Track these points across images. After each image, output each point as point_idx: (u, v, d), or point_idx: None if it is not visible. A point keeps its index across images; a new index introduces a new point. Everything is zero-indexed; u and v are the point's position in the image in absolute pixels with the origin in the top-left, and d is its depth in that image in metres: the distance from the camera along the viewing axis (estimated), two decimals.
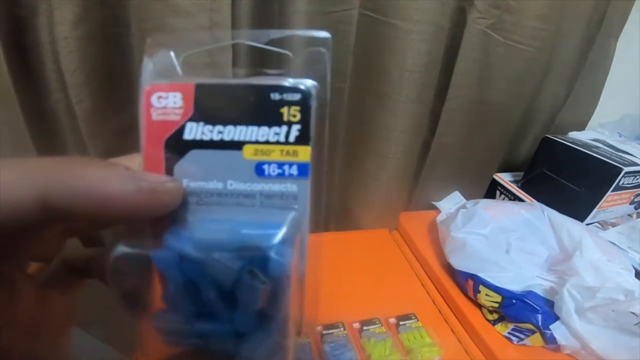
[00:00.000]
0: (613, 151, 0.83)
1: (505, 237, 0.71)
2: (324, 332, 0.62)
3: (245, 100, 0.18)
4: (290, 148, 0.18)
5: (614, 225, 0.84)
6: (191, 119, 0.18)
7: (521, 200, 0.88)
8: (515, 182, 0.94)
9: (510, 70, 0.74)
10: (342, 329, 0.63)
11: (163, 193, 0.18)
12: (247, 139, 0.18)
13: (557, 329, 0.58)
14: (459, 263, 0.69)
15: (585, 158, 0.80)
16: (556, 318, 0.58)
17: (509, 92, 0.78)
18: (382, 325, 0.64)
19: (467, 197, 0.91)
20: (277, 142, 0.18)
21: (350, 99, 0.73)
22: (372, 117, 0.73)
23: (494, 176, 0.95)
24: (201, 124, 0.18)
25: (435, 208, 0.90)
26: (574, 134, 0.91)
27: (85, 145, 0.62)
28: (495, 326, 0.64)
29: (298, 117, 0.18)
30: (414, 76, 0.66)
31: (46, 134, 0.62)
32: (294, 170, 0.19)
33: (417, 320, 0.65)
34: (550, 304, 0.60)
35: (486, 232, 0.71)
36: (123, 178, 0.17)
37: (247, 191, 0.19)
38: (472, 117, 0.79)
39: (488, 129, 0.82)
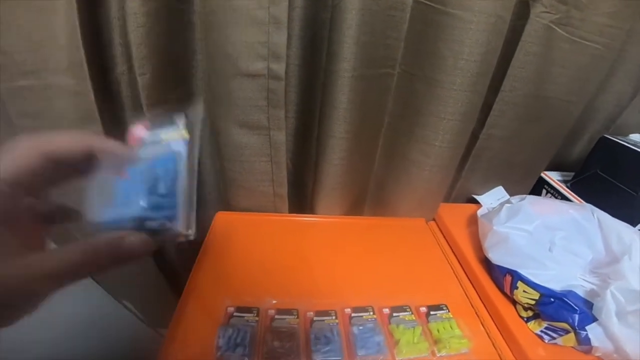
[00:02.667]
0: None
1: (550, 236, 0.68)
2: (353, 314, 0.62)
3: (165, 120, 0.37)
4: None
5: None
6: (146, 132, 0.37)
7: (569, 200, 0.84)
8: (564, 181, 0.89)
9: (573, 67, 0.71)
10: (371, 312, 0.63)
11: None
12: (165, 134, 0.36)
13: (592, 330, 0.55)
14: (499, 258, 0.67)
15: None
16: (593, 319, 0.56)
17: (569, 89, 0.74)
18: (412, 313, 0.63)
19: (511, 193, 0.87)
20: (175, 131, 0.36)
21: (398, 86, 0.71)
22: (421, 104, 0.70)
23: (542, 174, 0.91)
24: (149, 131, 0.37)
25: (475, 202, 0.88)
26: (635, 136, 0.85)
27: (143, 114, 0.65)
28: (528, 323, 0.62)
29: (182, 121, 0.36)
30: (470, 65, 0.63)
31: (110, 103, 0.65)
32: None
33: (448, 311, 0.64)
34: (589, 305, 0.57)
35: (531, 229, 0.68)
36: None
37: None
38: (526, 111, 0.75)
39: (542, 125, 0.78)
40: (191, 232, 0.33)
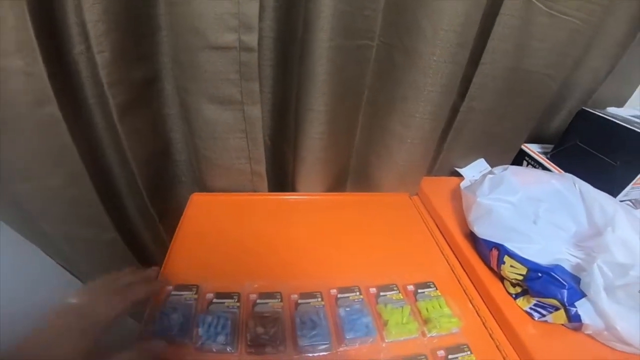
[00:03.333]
0: None
1: (533, 207, 0.66)
2: (339, 295, 0.59)
3: None
4: None
5: None
6: None
7: (550, 171, 0.82)
8: (544, 153, 0.88)
9: (552, 41, 0.70)
10: (357, 293, 0.60)
11: None
12: None
13: (582, 307, 0.53)
14: (484, 231, 0.65)
15: (624, 131, 0.74)
16: (582, 295, 0.54)
17: (547, 62, 0.73)
18: (399, 292, 0.61)
19: (493, 165, 0.85)
20: None
21: (377, 58, 0.69)
22: (401, 76, 0.67)
23: (522, 146, 0.90)
24: None
25: (458, 175, 0.86)
26: (612, 109, 0.84)
27: (105, 95, 0.61)
28: (517, 300, 0.60)
29: None
30: (449, 35, 0.61)
31: (67, 84, 0.61)
32: None
33: (436, 288, 0.62)
34: (577, 280, 0.56)
35: (514, 200, 0.66)
36: None
37: None
38: (505, 83, 0.74)
39: (521, 97, 0.77)
40: None
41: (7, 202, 0.67)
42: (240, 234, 0.69)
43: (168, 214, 0.72)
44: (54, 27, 0.56)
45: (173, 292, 0.55)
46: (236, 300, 0.56)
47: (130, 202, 0.76)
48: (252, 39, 0.59)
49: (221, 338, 0.49)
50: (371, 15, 0.64)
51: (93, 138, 0.66)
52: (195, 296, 0.55)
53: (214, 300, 0.55)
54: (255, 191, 0.79)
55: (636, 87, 0.91)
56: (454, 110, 0.76)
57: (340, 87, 0.67)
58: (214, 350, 0.49)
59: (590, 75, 0.85)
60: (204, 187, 0.78)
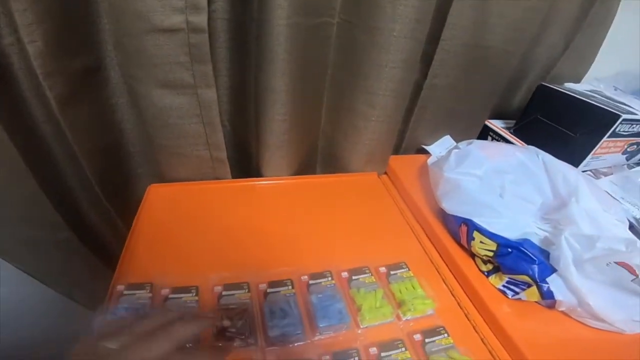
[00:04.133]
0: (610, 101, 0.78)
1: (499, 180, 0.65)
2: (311, 281, 0.56)
3: None
4: None
5: (605, 175, 0.79)
6: None
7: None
8: (508, 128, 0.89)
9: (509, 17, 0.69)
10: (329, 278, 0.57)
11: None
12: None
13: (553, 282, 0.52)
14: (452, 207, 0.63)
15: (582, 104, 0.75)
16: (552, 270, 0.53)
17: (505, 38, 0.72)
18: (372, 275, 0.58)
19: (458, 142, 0.83)
20: None
21: (339, 36, 0.66)
22: (362, 54, 0.65)
23: (486, 122, 0.89)
24: None
25: (425, 153, 0.84)
26: (569, 85, 0.86)
27: (42, 87, 0.55)
28: (489, 278, 0.58)
29: None
30: (407, 10, 0.60)
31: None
32: None
33: (408, 269, 0.60)
34: (546, 254, 0.54)
35: (480, 173, 0.65)
36: None
37: None
38: (466, 60, 0.73)
39: (482, 73, 0.76)
40: None
41: None
42: (203, 224, 0.64)
43: (128, 208, 0.67)
44: None
45: (125, 292, 0.51)
46: (194, 294, 0.52)
47: (84, 199, 0.70)
48: (201, 20, 0.55)
49: None
50: None
51: (34, 133, 0.60)
52: (150, 294, 0.51)
53: (170, 296, 0.51)
54: (217, 179, 0.74)
55: (591, 64, 0.92)
56: (418, 88, 0.74)
57: (300, 66, 0.63)
58: None
59: (548, 52, 0.86)
60: (163, 178, 0.73)
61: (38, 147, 0.61)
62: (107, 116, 0.66)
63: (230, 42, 0.63)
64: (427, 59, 0.70)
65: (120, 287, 0.51)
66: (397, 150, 0.85)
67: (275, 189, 0.76)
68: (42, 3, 0.50)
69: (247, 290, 0.53)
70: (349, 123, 0.74)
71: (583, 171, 0.77)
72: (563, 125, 0.77)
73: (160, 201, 0.69)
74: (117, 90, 0.65)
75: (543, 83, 0.82)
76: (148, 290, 0.51)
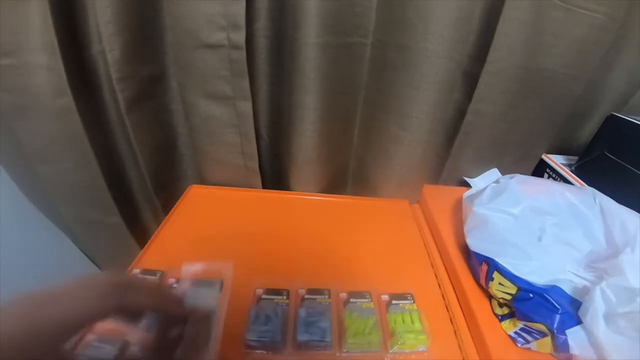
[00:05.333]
0: None
1: (539, 221, 0.56)
2: (307, 296, 0.54)
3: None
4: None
5: None
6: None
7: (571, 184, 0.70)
8: (568, 165, 0.75)
9: (568, 37, 0.60)
10: (326, 296, 0.54)
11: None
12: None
13: (573, 335, 0.43)
14: (476, 243, 0.56)
15: None
16: (577, 322, 0.44)
17: (566, 60, 0.62)
18: (371, 301, 0.54)
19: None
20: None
21: (373, 56, 0.65)
22: (394, 74, 0.63)
23: (544, 156, 0.77)
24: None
25: (467, 186, 0.76)
26: None
27: (114, 90, 0.63)
28: (502, 322, 0.50)
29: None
30: (440, 29, 0.57)
31: (83, 80, 0.64)
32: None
33: (413, 301, 0.54)
34: (577, 304, 0.45)
35: (516, 212, 0.56)
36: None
37: None
38: (517, 84, 0.64)
39: (537, 100, 0.67)
40: None
41: (31, 184, 0.71)
42: (227, 227, 0.66)
43: (172, 204, 0.73)
44: (76, 27, 0.60)
45: (138, 275, 0.54)
46: None
47: (138, 191, 0.78)
48: (239, 37, 0.59)
49: None
50: (363, 13, 0.60)
51: (105, 129, 0.69)
52: (158, 281, 0.53)
53: (174, 285, 0.53)
54: (249, 186, 0.76)
55: None
56: (461, 113, 0.67)
57: (331, 84, 0.63)
58: None
59: (625, 77, 0.72)
60: (203, 180, 0.78)
61: (105, 142, 0.69)
62: (166, 120, 0.73)
63: (271, 59, 0.66)
64: (471, 81, 0.64)
65: (136, 271, 0.55)
66: (436, 180, 0.78)
67: (302, 203, 0.76)
68: (122, 16, 0.57)
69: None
70: (380, 146, 0.71)
71: None
72: (633, 165, 0.63)
73: (196, 200, 0.73)
74: (176, 97, 0.71)
75: (614, 113, 0.68)
76: (158, 277, 0.54)
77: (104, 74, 0.64)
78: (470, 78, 0.64)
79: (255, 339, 0.47)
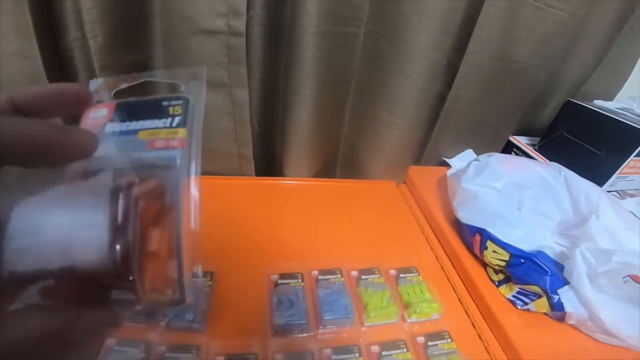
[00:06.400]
0: None
1: (518, 194, 0.62)
2: (320, 277, 0.55)
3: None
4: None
5: (632, 196, 0.74)
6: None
7: None
8: (532, 145, 0.84)
9: (538, 31, 0.66)
10: (339, 275, 0.56)
11: (77, 135, 0.20)
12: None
13: (565, 294, 0.49)
14: (468, 216, 0.60)
15: (609, 121, 0.71)
16: (565, 282, 0.50)
17: (534, 53, 0.69)
18: (381, 276, 0.56)
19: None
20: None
21: (365, 45, 0.66)
22: (387, 63, 0.65)
23: (510, 137, 0.85)
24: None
25: (446, 165, 0.81)
26: (599, 102, 0.80)
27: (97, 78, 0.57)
28: (500, 288, 0.55)
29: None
30: (432, 23, 0.60)
31: (61, 69, 0.60)
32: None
33: (419, 274, 0.58)
34: (560, 267, 0.51)
35: (499, 186, 0.62)
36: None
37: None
38: (492, 73, 0.70)
39: (509, 88, 0.73)
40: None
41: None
42: (225, 216, 0.64)
43: None
44: (52, 13, 0.55)
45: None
46: (209, 279, 0.52)
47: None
48: (240, 24, 0.57)
49: (189, 315, 0.45)
50: (357, 4, 0.61)
51: None
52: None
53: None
54: (242, 174, 0.75)
55: (624, 81, 0.87)
56: (441, 99, 0.71)
57: (327, 72, 0.64)
58: (182, 327, 0.45)
59: (578, 68, 0.81)
60: None
61: None
62: None
63: (265, 47, 0.64)
64: (452, 70, 0.68)
65: None
66: (417, 161, 0.82)
67: (296, 189, 0.76)
68: (107, 2, 0.53)
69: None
70: (371, 130, 0.73)
71: (608, 191, 0.72)
72: (589, 143, 0.73)
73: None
74: (161, 87, 0.67)
75: (570, 99, 0.78)
76: None
77: (82, 62, 0.59)
78: (451, 67, 0.68)
79: (283, 323, 0.47)
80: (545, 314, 0.52)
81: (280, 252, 0.59)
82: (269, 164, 0.78)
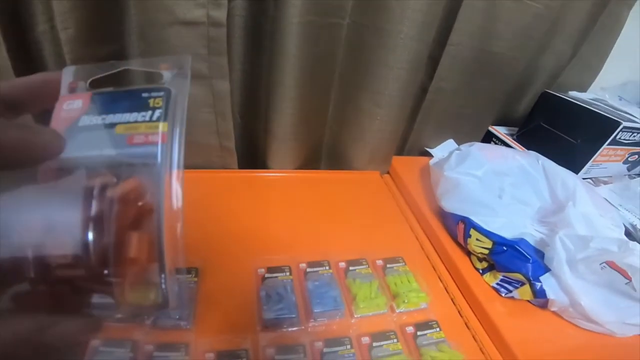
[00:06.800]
0: (613, 109, 0.75)
1: (499, 182, 0.63)
2: (308, 269, 0.55)
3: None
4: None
5: (606, 183, 0.76)
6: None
7: None
8: (511, 135, 0.86)
9: (516, 24, 0.68)
10: (327, 267, 0.56)
11: (44, 134, 0.19)
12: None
13: (547, 281, 0.50)
14: (451, 205, 0.61)
15: (584, 111, 0.73)
16: (546, 270, 0.51)
17: (512, 45, 0.71)
18: (368, 267, 0.57)
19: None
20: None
21: (348, 36, 0.65)
22: (370, 54, 0.64)
23: (490, 128, 0.87)
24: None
25: (429, 155, 0.82)
26: (574, 93, 0.83)
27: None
28: (484, 276, 0.56)
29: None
30: (415, 14, 0.60)
31: (29, 62, 0.57)
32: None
33: (405, 264, 0.58)
34: (541, 254, 0.53)
35: (480, 174, 0.63)
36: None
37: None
38: (472, 65, 0.71)
39: (488, 79, 0.75)
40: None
41: None
42: (206, 210, 0.63)
43: None
44: (17, 4, 0.51)
45: None
46: (194, 275, 0.51)
47: None
48: (220, 14, 0.55)
49: (175, 313, 0.44)
50: None
51: None
52: None
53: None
54: (225, 167, 0.73)
55: (597, 73, 0.90)
56: (423, 91, 0.72)
57: (311, 63, 0.63)
58: (169, 326, 0.44)
59: (555, 60, 0.83)
60: None
61: None
62: None
63: (245, 38, 0.63)
64: (433, 62, 0.69)
65: None
66: (400, 152, 0.83)
67: (280, 181, 0.75)
68: None
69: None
70: (355, 121, 0.72)
71: (584, 179, 0.74)
72: (565, 132, 0.75)
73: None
74: (138, 79, 0.64)
75: (547, 90, 0.80)
76: None
77: (52, 54, 0.56)
78: (433, 59, 0.68)
79: (273, 317, 0.47)
80: (528, 301, 0.53)
81: (267, 245, 0.58)
82: (252, 156, 0.77)
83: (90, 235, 0.17)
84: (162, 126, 0.20)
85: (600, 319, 0.48)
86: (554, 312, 0.52)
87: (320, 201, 0.70)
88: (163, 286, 0.19)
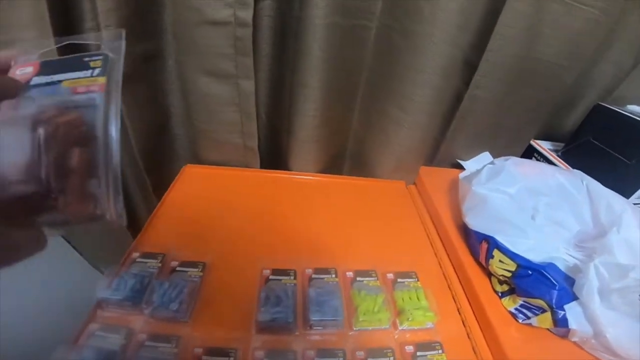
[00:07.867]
0: None
1: (533, 201, 0.57)
2: (314, 275, 0.53)
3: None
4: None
5: None
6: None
7: None
8: (555, 151, 0.78)
9: (567, 29, 0.60)
10: (333, 275, 0.54)
11: (2, 79, 0.24)
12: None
13: (571, 310, 0.45)
14: (476, 222, 0.56)
15: None
16: (574, 298, 0.45)
17: (561, 52, 0.63)
18: (377, 279, 0.54)
19: None
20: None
21: (377, 40, 0.63)
22: (398, 57, 0.62)
23: (532, 142, 0.79)
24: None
25: (460, 168, 0.77)
26: (632, 107, 0.73)
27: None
28: (502, 299, 0.51)
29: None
30: (447, 16, 0.56)
31: None
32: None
33: (417, 280, 0.55)
34: (571, 281, 0.47)
35: (512, 191, 0.57)
36: None
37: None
38: (514, 72, 0.64)
39: (531, 88, 0.68)
40: (122, 219, 0.26)
41: None
42: (226, 207, 0.64)
43: (164, 185, 0.69)
44: (67, 4, 0.54)
45: (138, 259, 0.51)
46: (200, 269, 0.51)
47: (128, 171, 0.73)
48: (247, 15, 0.56)
49: (174, 305, 0.44)
50: None
51: None
52: (159, 264, 0.50)
53: (177, 268, 0.50)
54: (247, 166, 0.74)
55: None
56: (458, 98, 0.67)
57: (335, 65, 0.61)
58: (168, 316, 0.44)
59: (612, 71, 0.74)
60: (199, 160, 0.75)
61: None
62: (159, 100, 0.68)
63: (273, 39, 0.63)
64: (470, 68, 0.63)
65: (135, 254, 0.52)
66: (430, 161, 0.78)
67: (301, 183, 0.74)
68: None
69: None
70: (380, 127, 0.70)
71: (635, 204, 0.65)
72: (617, 151, 0.66)
73: (192, 181, 0.70)
74: (171, 76, 0.67)
75: (600, 103, 0.71)
76: (159, 261, 0.51)
77: (94, 49, 0.59)
78: (469, 65, 0.63)
79: (268, 319, 0.45)
80: (547, 329, 0.47)
81: (277, 247, 0.58)
82: (274, 156, 0.76)
83: (39, 151, 0.21)
84: (100, 79, 0.26)
85: (625, 353, 0.42)
86: (573, 343, 0.46)
87: (339, 207, 0.68)
88: (101, 200, 0.24)
